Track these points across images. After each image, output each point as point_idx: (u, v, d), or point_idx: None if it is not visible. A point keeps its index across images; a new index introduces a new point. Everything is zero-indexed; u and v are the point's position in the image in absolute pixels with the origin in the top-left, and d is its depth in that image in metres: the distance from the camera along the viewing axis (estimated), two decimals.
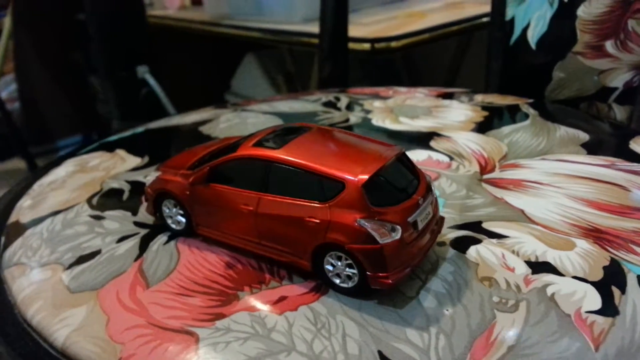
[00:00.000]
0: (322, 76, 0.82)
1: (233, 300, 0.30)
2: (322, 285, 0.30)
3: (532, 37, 0.70)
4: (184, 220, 0.35)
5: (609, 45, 0.64)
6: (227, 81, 1.71)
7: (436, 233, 0.31)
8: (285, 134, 0.33)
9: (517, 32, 0.72)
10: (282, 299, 0.29)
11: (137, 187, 0.43)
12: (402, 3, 1.28)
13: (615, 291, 0.30)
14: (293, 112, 0.61)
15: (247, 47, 1.59)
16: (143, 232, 0.36)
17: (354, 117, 0.57)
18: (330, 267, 0.29)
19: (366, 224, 0.27)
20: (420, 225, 0.29)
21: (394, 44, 0.92)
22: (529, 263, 0.32)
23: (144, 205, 0.39)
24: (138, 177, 0.45)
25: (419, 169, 0.32)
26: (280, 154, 0.30)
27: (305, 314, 0.28)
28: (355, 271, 0.28)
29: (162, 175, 0.35)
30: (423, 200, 0.29)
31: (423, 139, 0.50)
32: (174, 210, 0.35)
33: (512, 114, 0.58)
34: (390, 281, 0.28)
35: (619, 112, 0.67)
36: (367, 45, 0.92)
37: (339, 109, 0.61)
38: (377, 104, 0.62)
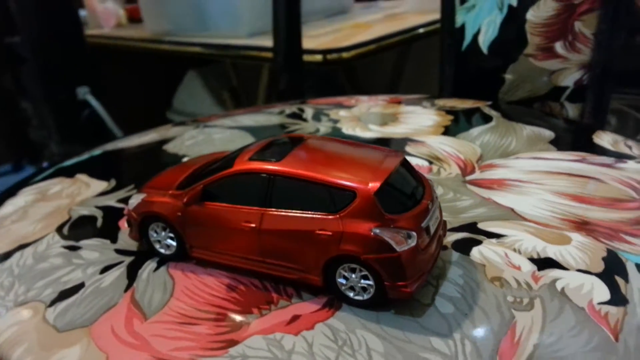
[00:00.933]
0: (280, 88, 0.81)
1: (243, 325, 0.28)
2: (334, 300, 0.29)
3: (484, 42, 0.72)
4: (174, 243, 0.33)
5: (559, 47, 0.67)
6: (169, 99, 1.67)
7: (442, 237, 0.31)
8: (279, 146, 0.31)
9: (468, 38, 0.74)
10: (295, 318, 0.28)
11: (110, 213, 0.40)
12: (343, 15, 1.29)
13: (620, 281, 0.30)
14: (259, 126, 0.59)
15: (189, 64, 1.55)
16: (128, 259, 0.34)
17: (324, 127, 0.57)
18: (343, 281, 0.28)
19: (382, 232, 0.26)
20: (432, 230, 0.28)
21: (345, 54, 0.93)
22: (532, 260, 0.32)
23: (125, 231, 0.37)
24: (109, 201, 0.42)
25: (420, 173, 0.31)
26: (283, 167, 0.29)
27: (323, 332, 0.27)
28: (371, 282, 0.27)
29: (147, 197, 0.33)
30: (432, 205, 0.29)
31: (397, 145, 0.50)
32: (163, 234, 0.33)
33: (477, 117, 0.59)
34: (409, 290, 0.27)
35: (571, 110, 0.70)
36: (319, 57, 0.92)
37: (305, 120, 0.60)
38: (343, 113, 0.62)
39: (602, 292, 0.29)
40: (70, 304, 0.31)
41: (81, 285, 0.32)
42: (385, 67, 1.42)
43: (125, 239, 0.36)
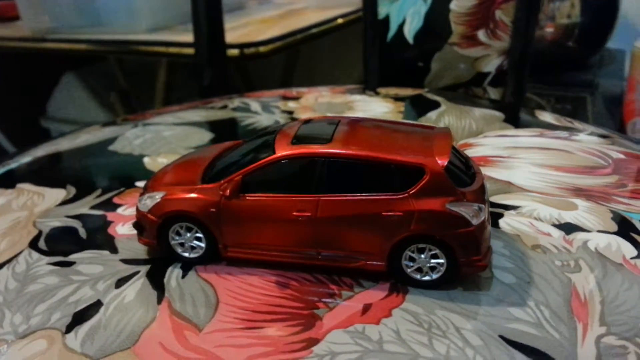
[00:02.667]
0: (203, 84, 0.77)
1: (316, 321, 0.26)
2: (396, 284, 0.28)
3: (409, 32, 0.75)
4: (202, 245, 0.29)
5: (481, 35, 0.71)
6: (43, 105, 1.51)
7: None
8: (317, 128, 0.29)
9: (393, 29, 0.76)
10: (367, 307, 0.26)
11: (91, 222, 0.35)
12: (241, 11, 1.26)
13: (636, 236, 0.33)
14: (210, 121, 0.56)
15: (67, 66, 1.42)
16: (143, 269, 0.30)
17: (283, 119, 0.55)
18: (409, 263, 0.27)
19: (457, 207, 0.26)
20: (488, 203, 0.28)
21: (262, 48, 0.90)
22: (556, 226, 0.33)
23: (127, 239, 0.32)
24: (80, 210, 0.36)
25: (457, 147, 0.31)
26: (339, 148, 0.27)
27: (403, 317, 0.26)
28: (442, 260, 0.27)
29: (168, 195, 0.29)
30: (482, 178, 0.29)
31: None
32: (188, 235, 0.29)
33: (424, 102, 0.61)
34: (485, 263, 0.27)
35: (493, 94, 0.75)
36: (235, 51, 0.89)
37: (257, 113, 0.57)
38: (292, 104, 0.60)
39: (628, 248, 0.31)
40: (94, 326, 0.26)
41: (98, 304, 0.27)
42: (271, 61, 1.41)
43: (129, 247, 0.31)
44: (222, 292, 0.28)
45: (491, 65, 0.72)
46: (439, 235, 0.26)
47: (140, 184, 0.40)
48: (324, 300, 0.27)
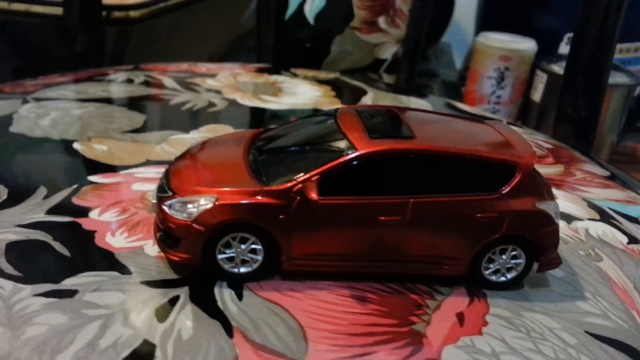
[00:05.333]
0: (76, 51, 0.64)
1: (421, 339, 0.23)
2: (470, 288, 0.26)
3: (310, 11, 0.72)
4: (258, 258, 0.24)
5: (382, 21, 0.72)
6: None
7: None
8: (378, 120, 0.26)
9: (292, 7, 0.73)
10: (461, 317, 0.25)
11: (62, 231, 0.27)
12: None
13: (617, 223, 0.36)
14: (130, 97, 0.47)
15: None
16: (181, 292, 0.23)
17: (217, 100, 0.48)
18: (489, 265, 0.26)
19: (546, 206, 0.25)
20: None
21: (132, 13, 0.79)
22: None
23: (127, 254, 0.25)
24: (34, 216, 0.28)
25: None
26: (431, 145, 0.24)
27: (500, 324, 0.25)
28: (521, 261, 0.26)
29: (221, 200, 0.23)
30: None
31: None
32: (243, 247, 0.24)
33: (350, 87, 0.59)
34: (560, 260, 0.27)
35: (387, 80, 0.77)
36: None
37: (176, 90, 0.50)
38: (212, 82, 0.54)
39: (619, 235, 0.34)
40: None
41: (147, 345, 0.21)
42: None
43: (141, 265, 0.25)
44: (298, 314, 0.23)
45: (388, 52, 0.74)
46: (530, 236, 0.25)
47: (98, 178, 0.32)
48: (414, 312, 0.24)
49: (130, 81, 0.51)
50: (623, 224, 0.36)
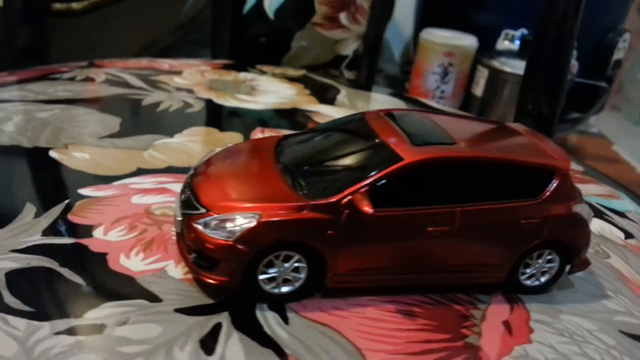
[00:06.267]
0: (18, 46, 0.59)
1: (478, 352, 0.22)
2: (506, 294, 0.26)
3: (270, 6, 0.70)
4: (301, 276, 0.22)
5: (343, 17, 0.71)
6: None
7: None
8: (413, 125, 0.25)
9: (251, 1, 0.70)
10: (508, 325, 0.24)
11: (70, 257, 0.23)
12: None
13: (610, 219, 0.37)
14: (98, 97, 0.43)
15: None
16: (221, 319, 0.21)
17: (192, 100, 0.45)
18: (525, 270, 0.26)
19: (581, 209, 0.25)
20: None
21: (75, 5, 0.74)
22: None
23: (151, 278, 0.22)
24: (27, 238, 0.24)
25: None
26: (475, 151, 0.23)
27: (543, 330, 0.24)
28: (555, 264, 0.26)
29: (265, 217, 0.21)
30: None
31: (292, 116, 0.45)
32: (286, 265, 0.22)
33: (320, 84, 0.58)
34: (589, 261, 0.27)
35: (348, 76, 0.76)
36: None
37: (144, 90, 0.46)
38: (179, 80, 0.50)
39: (615, 230, 0.36)
40: None
41: None
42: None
43: (169, 290, 0.22)
44: (351, 335, 0.22)
45: (349, 48, 0.73)
46: (567, 240, 0.25)
47: (89, 191, 0.29)
48: (463, 325, 0.23)
49: (90, 80, 0.47)
50: (614, 219, 0.37)
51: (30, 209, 0.26)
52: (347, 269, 0.23)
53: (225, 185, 0.23)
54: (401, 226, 0.22)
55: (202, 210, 0.22)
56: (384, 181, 0.22)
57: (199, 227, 0.21)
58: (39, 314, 0.20)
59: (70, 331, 0.20)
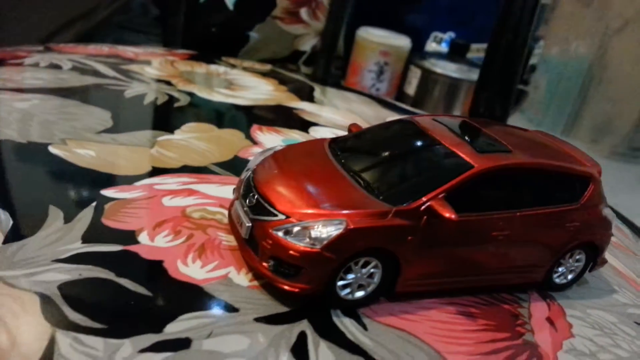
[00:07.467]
0: None
1: (536, 348, 0.23)
2: (540, 292, 0.28)
3: None
4: (374, 281, 0.22)
5: (304, 13, 0.71)
6: None
7: None
8: (461, 131, 0.26)
9: None
10: (551, 321, 0.25)
11: (120, 264, 0.22)
12: None
13: None
14: (78, 87, 0.39)
15: None
16: (304, 327, 0.21)
17: (175, 93, 0.43)
18: (559, 269, 0.27)
19: (608, 212, 0.27)
20: None
21: None
22: None
23: (218, 285, 0.21)
24: (70, 246, 0.22)
25: None
26: (531, 158, 0.24)
27: (579, 324, 0.26)
28: (580, 263, 0.28)
29: (351, 225, 0.21)
30: None
31: (280, 113, 0.44)
32: (364, 271, 0.22)
33: (291, 80, 0.57)
34: (606, 259, 0.29)
35: (305, 72, 0.75)
36: None
37: (117, 79, 0.43)
38: (152, 70, 0.48)
39: None
40: None
41: None
42: None
43: (242, 298, 0.21)
44: (428, 338, 0.22)
45: (308, 44, 0.73)
46: (598, 241, 0.27)
47: (113, 193, 0.26)
48: (516, 323, 0.25)
49: (57, 67, 0.43)
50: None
51: (56, 213, 0.24)
52: (418, 273, 0.23)
53: (298, 191, 0.22)
54: (471, 231, 0.23)
55: (281, 217, 0.21)
56: (458, 187, 0.22)
57: (279, 234, 0.21)
58: (114, 331, 0.19)
59: (156, 347, 0.18)
